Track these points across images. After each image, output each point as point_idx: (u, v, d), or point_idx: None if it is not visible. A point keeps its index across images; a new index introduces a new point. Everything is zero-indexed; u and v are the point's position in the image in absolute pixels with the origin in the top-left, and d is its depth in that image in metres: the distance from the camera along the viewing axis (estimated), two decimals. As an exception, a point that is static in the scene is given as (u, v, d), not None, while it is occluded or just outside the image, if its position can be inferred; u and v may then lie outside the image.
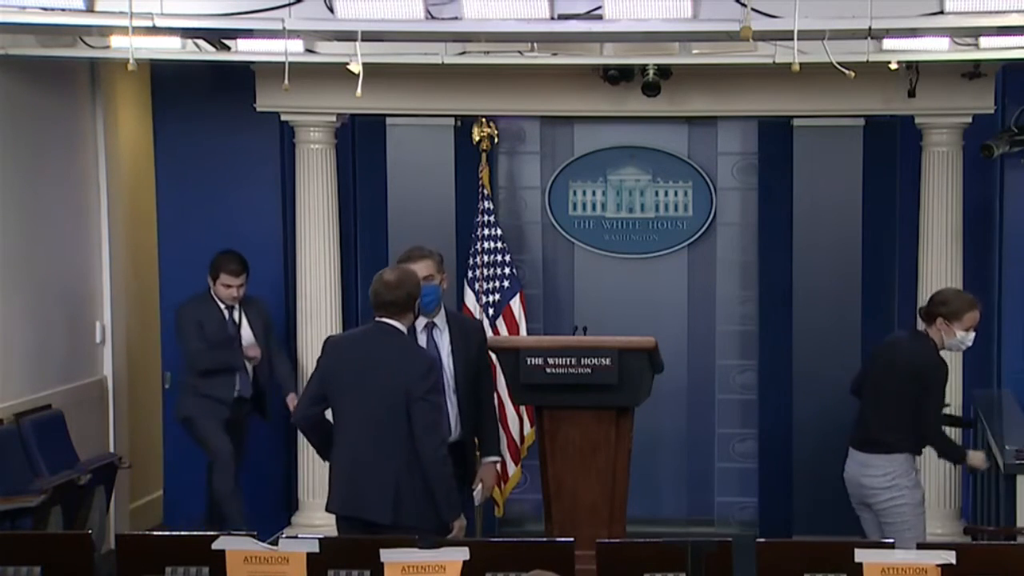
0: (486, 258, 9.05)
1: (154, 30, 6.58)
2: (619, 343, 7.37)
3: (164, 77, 9.10)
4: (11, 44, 7.89)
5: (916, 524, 6.85)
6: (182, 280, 9.20)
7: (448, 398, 6.71)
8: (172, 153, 9.34)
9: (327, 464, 9.06)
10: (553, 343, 7.53)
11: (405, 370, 6.13)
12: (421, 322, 6.68)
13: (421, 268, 6.65)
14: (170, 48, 7.70)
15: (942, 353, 6.79)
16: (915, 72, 8.38)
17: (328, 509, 6.40)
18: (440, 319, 6.78)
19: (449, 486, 6.16)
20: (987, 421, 8.08)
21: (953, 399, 8.72)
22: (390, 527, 6.04)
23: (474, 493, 6.83)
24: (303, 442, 9.07)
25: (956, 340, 6.78)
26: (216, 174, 9.28)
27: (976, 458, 6.91)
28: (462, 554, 4.86)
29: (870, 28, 6.34)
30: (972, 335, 6.82)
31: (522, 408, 8.87)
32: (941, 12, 6.25)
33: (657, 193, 9.47)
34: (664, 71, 8.51)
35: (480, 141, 9.14)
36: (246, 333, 8.52)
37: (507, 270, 9.08)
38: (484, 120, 9.13)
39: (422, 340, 6.69)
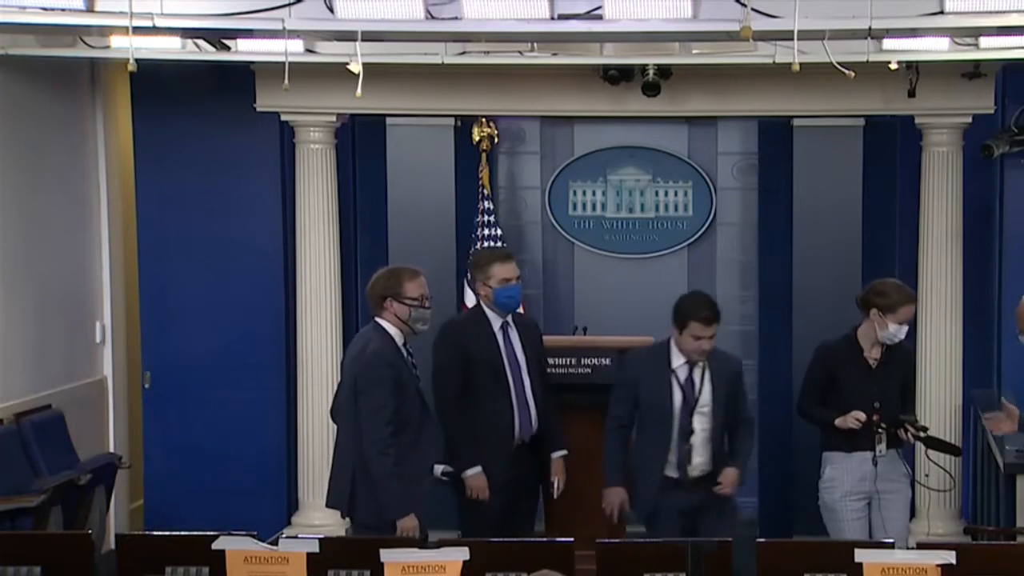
0: (486, 258, 9.05)
1: (154, 30, 6.58)
2: (619, 343, 7.38)
3: (145, 77, 8.95)
4: (11, 44, 7.89)
5: (829, 523, 6.87)
6: (163, 279, 9.28)
7: (526, 394, 6.79)
8: (157, 153, 9.29)
9: (326, 465, 9.13)
10: (553, 343, 7.54)
11: (356, 364, 6.29)
12: (497, 322, 6.81)
13: (512, 268, 6.81)
14: (170, 48, 7.69)
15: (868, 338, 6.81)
16: (915, 72, 8.38)
17: None
18: (508, 318, 6.88)
19: (388, 484, 6.20)
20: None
21: (953, 399, 8.73)
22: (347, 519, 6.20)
23: (553, 489, 6.92)
24: (303, 442, 9.10)
25: (889, 332, 6.76)
26: (215, 174, 9.28)
27: (843, 420, 6.73)
28: (462, 554, 4.86)
29: (870, 28, 6.34)
30: (904, 328, 6.78)
31: (522, 408, 8.87)
32: (941, 12, 6.25)
33: (657, 193, 9.47)
34: (664, 71, 8.50)
35: (480, 141, 9.14)
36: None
37: (507, 270, 9.07)
38: (484, 120, 9.13)
39: (500, 339, 6.78)
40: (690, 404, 6.55)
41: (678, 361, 6.55)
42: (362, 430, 6.20)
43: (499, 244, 9.07)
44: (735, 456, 6.71)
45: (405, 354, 6.40)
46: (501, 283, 6.75)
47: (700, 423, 6.56)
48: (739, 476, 6.64)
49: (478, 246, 9.05)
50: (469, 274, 7.07)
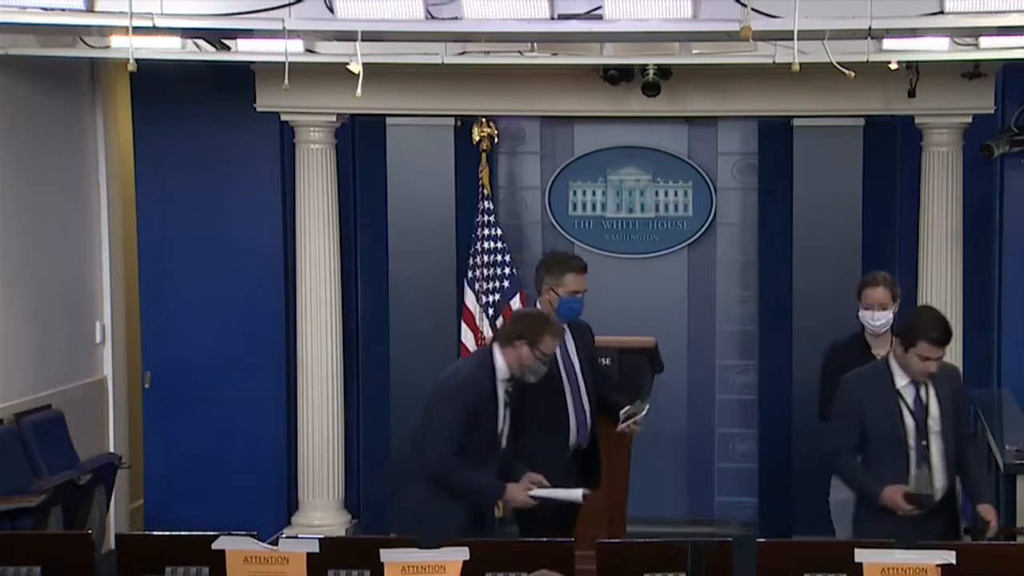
0: (486, 258, 9.05)
1: (154, 30, 6.58)
2: (619, 343, 7.37)
3: (145, 77, 8.85)
4: (11, 44, 7.89)
5: (837, 522, 6.78)
6: (163, 279, 9.30)
7: (582, 399, 6.70)
8: (157, 153, 9.29)
9: (326, 465, 9.13)
10: (553, 343, 7.52)
11: (439, 388, 6.25)
12: None
13: (584, 281, 6.74)
14: (170, 48, 7.69)
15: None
16: (915, 72, 8.38)
17: None
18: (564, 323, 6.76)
19: (465, 484, 6.13)
20: (987, 421, 8.07)
21: (953, 399, 8.72)
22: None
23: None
24: (303, 442, 9.10)
25: (863, 320, 6.78)
26: (215, 174, 9.28)
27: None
28: (462, 554, 4.86)
29: (870, 28, 6.34)
30: (877, 313, 6.73)
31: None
32: (941, 12, 6.26)
33: (657, 193, 9.47)
34: (664, 71, 8.51)
35: (480, 141, 9.14)
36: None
37: (507, 270, 9.08)
38: (484, 120, 9.13)
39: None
40: (921, 426, 6.04)
41: (902, 381, 6.06)
42: (429, 445, 6.12)
43: (499, 244, 9.08)
44: (982, 483, 6.23)
45: (502, 391, 6.28)
46: (570, 293, 6.68)
47: (936, 444, 6.07)
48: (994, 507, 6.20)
49: (478, 246, 9.05)
50: (536, 274, 6.88)
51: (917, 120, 8.80)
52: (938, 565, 4.77)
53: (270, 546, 5.06)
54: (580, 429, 6.68)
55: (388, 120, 9.15)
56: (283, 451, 9.28)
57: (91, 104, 9.03)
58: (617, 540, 5.82)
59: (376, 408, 9.35)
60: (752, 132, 9.37)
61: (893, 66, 7.53)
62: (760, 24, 6.09)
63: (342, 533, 8.83)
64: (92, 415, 8.88)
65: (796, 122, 9.03)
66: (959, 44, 7.60)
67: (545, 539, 5.49)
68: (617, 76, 8.59)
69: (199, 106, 9.21)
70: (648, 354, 7.33)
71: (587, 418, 6.70)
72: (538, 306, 6.80)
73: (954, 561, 4.78)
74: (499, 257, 9.08)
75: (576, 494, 6.29)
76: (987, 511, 6.10)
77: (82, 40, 7.89)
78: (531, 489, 6.22)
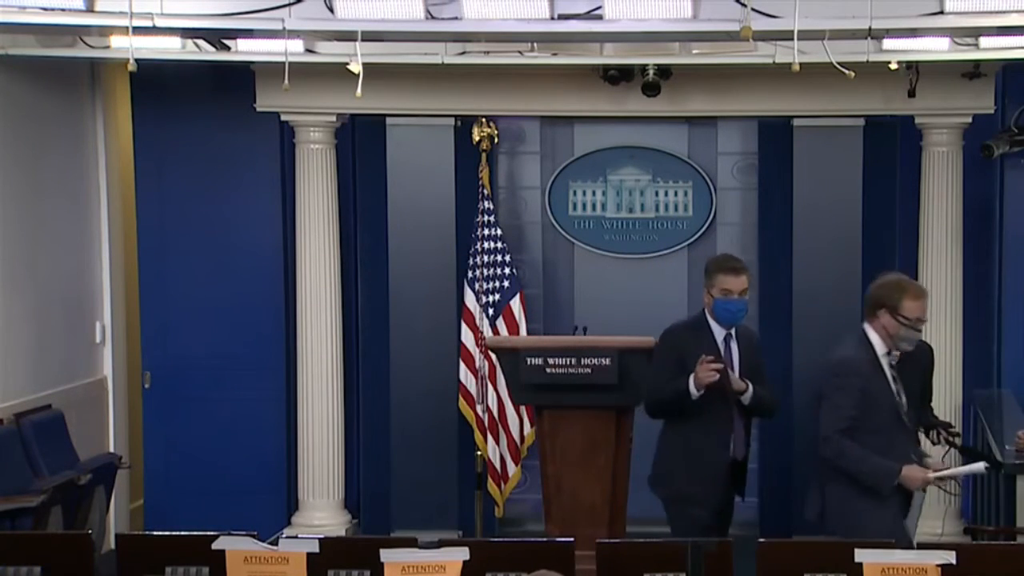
0: (486, 258, 9.05)
1: (154, 30, 6.58)
2: (619, 343, 7.37)
3: (145, 77, 8.52)
4: (11, 44, 7.89)
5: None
6: (163, 279, 9.30)
7: (742, 411, 6.68)
8: (157, 153, 9.30)
9: (326, 465, 9.13)
10: (553, 343, 7.54)
11: (822, 370, 6.26)
12: (720, 333, 6.66)
13: (737, 282, 6.62)
14: (170, 48, 7.69)
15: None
16: (915, 72, 8.38)
17: None
18: (732, 330, 6.73)
19: (853, 466, 6.11)
20: (987, 421, 8.07)
21: (953, 399, 8.73)
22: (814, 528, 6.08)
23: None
24: (303, 442, 9.10)
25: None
26: (215, 174, 9.28)
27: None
28: (462, 554, 4.86)
29: (870, 28, 6.34)
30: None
31: (522, 408, 8.88)
32: (941, 12, 6.26)
33: (657, 193, 9.47)
34: (664, 71, 8.51)
35: (480, 141, 9.13)
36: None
37: (507, 270, 9.08)
38: (484, 120, 9.13)
39: (722, 349, 6.64)
40: None
41: None
42: (823, 432, 6.11)
43: (499, 244, 9.08)
44: None
45: (886, 365, 6.22)
46: (723, 293, 6.57)
47: None
48: None
49: (478, 246, 9.05)
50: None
51: (917, 120, 8.80)
52: (938, 565, 4.76)
53: (270, 546, 5.06)
54: (737, 441, 6.64)
55: (388, 120, 9.16)
56: (283, 451, 9.28)
57: (91, 104, 9.03)
58: (617, 540, 5.82)
59: (376, 408, 9.35)
60: (752, 132, 9.37)
61: (893, 66, 7.53)
62: (760, 24, 6.09)
63: (342, 533, 8.83)
64: (92, 415, 8.89)
65: (796, 122, 9.03)
66: (959, 44, 7.60)
67: (545, 539, 5.49)
68: (617, 76, 8.59)
69: (199, 106, 9.21)
70: (648, 354, 7.31)
71: (743, 429, 6.68)
72: (705, 311, 6.71)
73: (954, 561, 4.78)
74: (499, 257, 9.08)
75: (979, 466, 6.40)
76: None
77: (82, 40, 7.89)
78: (930, 471, 6.21)
